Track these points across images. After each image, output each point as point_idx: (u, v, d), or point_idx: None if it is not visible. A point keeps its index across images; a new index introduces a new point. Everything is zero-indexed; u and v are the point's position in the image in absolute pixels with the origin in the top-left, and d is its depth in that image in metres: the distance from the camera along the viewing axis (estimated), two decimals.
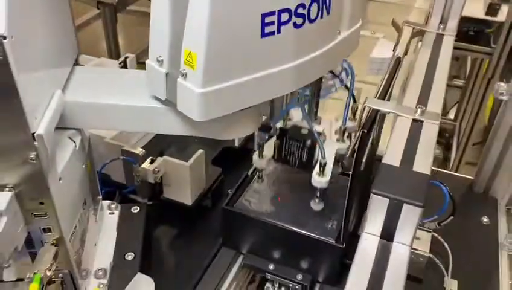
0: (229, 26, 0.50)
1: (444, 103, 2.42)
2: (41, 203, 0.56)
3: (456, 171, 2.43)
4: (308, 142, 0.84)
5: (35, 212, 0.57)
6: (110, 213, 0.84)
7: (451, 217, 0.86)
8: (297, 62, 0.58)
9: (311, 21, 0.57)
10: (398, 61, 0.83)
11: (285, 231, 0.81)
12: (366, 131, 0.64)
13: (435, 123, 0.60)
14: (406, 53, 0.91)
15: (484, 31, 2.06)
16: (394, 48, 0.90)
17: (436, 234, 0.89)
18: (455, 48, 2.11)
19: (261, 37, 0.52)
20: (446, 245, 0.89)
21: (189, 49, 0.50)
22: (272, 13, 0.52)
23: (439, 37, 0.85)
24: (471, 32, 2.05)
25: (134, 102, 0.60)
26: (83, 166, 0.67)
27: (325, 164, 0.75)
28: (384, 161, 0.53)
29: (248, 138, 1.11)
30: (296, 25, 0.55)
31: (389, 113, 0.63)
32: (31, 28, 0.52)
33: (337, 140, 0.82)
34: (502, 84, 0.98)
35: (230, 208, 0.85)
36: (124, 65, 1.21)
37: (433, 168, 1.14)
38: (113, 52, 2.51)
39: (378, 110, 0.63)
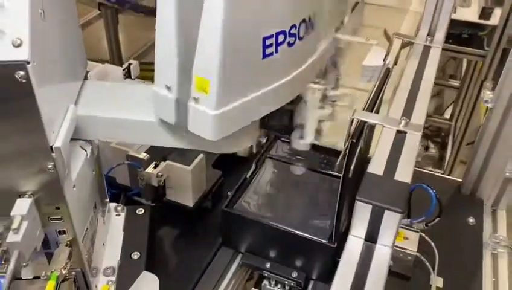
0: (237, 53, 0.55)
1: (440, 102, 2.46)
2: (57, 208, 0.62)
3: (450, 170, 2.49)
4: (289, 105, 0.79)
5: (52, 216, 0.62)
6: (116, 215, 0.89)
7: (438, 219, 0.92)
8: (291, 76, 0.63)
9: (300, 39, 0.62)
10: (387, 72, 0.88)
11: (281, 231, 0.86)
12: (354, 140, 0.70)
13: (417, 134, 0.65)
14: (395, 63, 0.96)
15: (477, 34, 2.11)
16: (384, 58, 0.95)
17: (423, 234, 0.94)
18: (450, 50, 2.16)
19: (262, 58, 0.57)
20: (433, 244, 0.94)
21: (202, 76, 0.55)
22: (271, 36, 0.57)
23: (426, 49, 0.90)
24: (465, 35, 2.10)
25: (142, 117, 0.65)
26: (93, 173, 0.73)
27: (304, 126, 0.74)
28: (369, 170, 0.59)
29: None
30: (289, 44, 0.60)
31: (375, 124, 0.68)
32: (49, 50, 0.57)
33: (320, 107, 0.80)
34: (488, 92, 1.03)
35: (230, 210, 0.90)
36: (127, 71, 1.26)
37: (424, 170, 1.20)
38: (115, 54, 2.56)
39: (365, 122, 0.68)
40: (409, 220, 0.94)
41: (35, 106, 0.52)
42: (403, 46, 0.97)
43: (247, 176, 1.00)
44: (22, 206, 0.57)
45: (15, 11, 0.50)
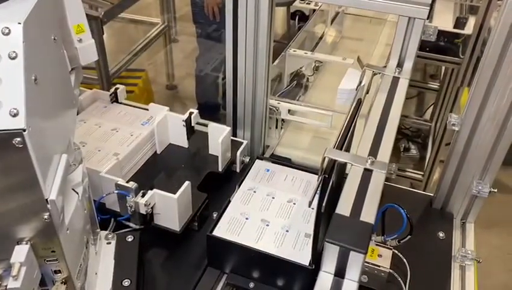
0: None
1: (420, 104, 2.57)
2: (53, 251, 0.67)
3: (430, 170, 2.58)
4: None
5: (47, 259, 0.68)
6: (107, 243, 0.94)
7: (409, 236, 0.98)
8: None
9: None
10: (359, 103, 0.95)
11: (263, 255, 0.92)
12: (327, 176, 0.76)
13: (382, 172, 0.71)
14: (367, 92, 1.03)
15: (453, 42, 2.19)
16: (357, 88, 1.01)
17: (396, 251, 1.01)
18: (426, 58, 2.23)
19: None
20: (405, 260, 1.01)
21: None
22: None
23: (395, 80, 0.96)
24: (441, 43, 2.18)
25: None
26: (85, 211, 0.78)
27: None
28: (337, 211, 0.65)
29: (230, 163, 1.23)
30: None
31: (345, 163, 0.74)
32: (42, 111, 0.62)
33: None
34: (454, 115, 1.10)
35: (214, 235, 0.96)
36: (114, 96, 1.31)
37: (399, 186, 1.27)
38: (101, 64, 2.59)
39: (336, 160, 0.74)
40: (383, 237, 1.01)
41: (32, 166, 0.57)
42: (374, 75, 1.03)
43: (231, 199, 1.06)
44: (20, 253, 0.62)
45: (11, 82, 0.55)
